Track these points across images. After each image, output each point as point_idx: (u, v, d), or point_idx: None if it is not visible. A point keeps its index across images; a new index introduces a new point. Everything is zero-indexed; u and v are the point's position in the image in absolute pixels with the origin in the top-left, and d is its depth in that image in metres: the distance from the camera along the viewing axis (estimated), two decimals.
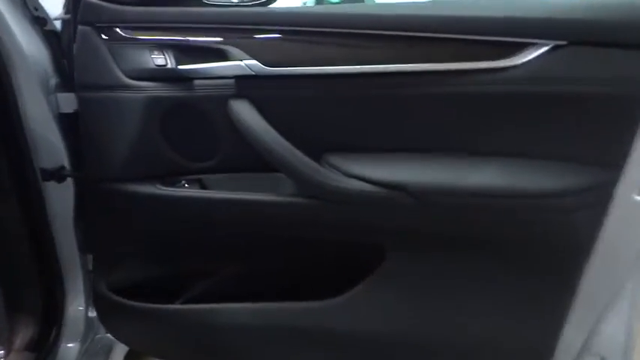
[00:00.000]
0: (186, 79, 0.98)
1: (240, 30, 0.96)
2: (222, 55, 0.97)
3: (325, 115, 0.97)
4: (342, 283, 1.05)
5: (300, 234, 1.01)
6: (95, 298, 1.19)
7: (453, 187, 0.93)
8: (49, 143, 1.12)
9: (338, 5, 1.08)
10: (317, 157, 0.98)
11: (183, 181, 1.05)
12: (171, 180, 1.05)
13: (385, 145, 0.97)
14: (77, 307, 1.26)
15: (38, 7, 1.08)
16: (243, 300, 1.08)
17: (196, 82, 0.98)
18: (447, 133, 0.95)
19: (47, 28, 1.10)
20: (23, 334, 1.23)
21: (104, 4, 0.97)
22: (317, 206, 0.97)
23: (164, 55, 0.98)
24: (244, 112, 0.96)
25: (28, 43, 1.07)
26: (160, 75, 0.98)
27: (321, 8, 1.06)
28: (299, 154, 0.95)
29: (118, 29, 0.99)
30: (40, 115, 1.10)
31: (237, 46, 0.96)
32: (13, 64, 1.05)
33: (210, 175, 1.05)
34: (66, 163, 1.14)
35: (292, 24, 0.95)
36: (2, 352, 1.23)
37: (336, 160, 0.97)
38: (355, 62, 0.94)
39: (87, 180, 1.11)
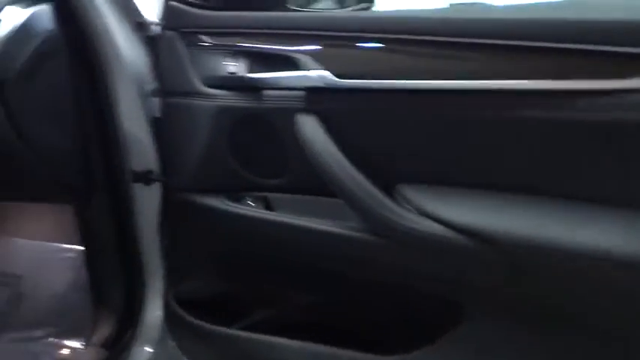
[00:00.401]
0: (255, 88, 0.91)
1: (312, 37, 0.87)
2: (293, 64, 0.88)
3: (403, 137, 0.83)
4: (407, 335, 0.88)
5: (361, 273, 0.87)
6: (164, 306, 1.17)
7: (557, 244, 0.72)
8: (142, 146, 1.14)
9: (431, 9, 0.92)
10: (389, 188, 0.83)
11: (248, 198, 0.98)
12: (237, 195, 0.98)
13: (473, 179, 0.79)
14: (155, 312, 1.25)
15: (140, 13, 1.10)
16: (297, 332, 0.97)
17: (265, 92, 0.91)
18: (556, 170, 0.74)
19: (148, 33, 1.12)
20: (102, 331, 1.26)
21: (186, 8, 0.94)
22: (382, 245, 0.82)
23: (238, 62, 0.92)
24: (309, 128, 0.86)
25: (129, 48, 1.09)
26: (231, 83, 0.93)
27: (408, 12, 0.91)
28: (365, 182, 0.82)
29: (198, 34, 0.95)
30: (135, 118, 1.12)
31: (309, 54, 0.86)
32: (112, 67, 1.08)
33: (276, 193, 0.96)
34: (156, 166, 1.14)
35: (371, 30, 0.83)
36: (83, 345, 1.27)
37: (410, 193, 0.82)
38: (445, 76, 0.78)
39: (166, 186, 1.09)
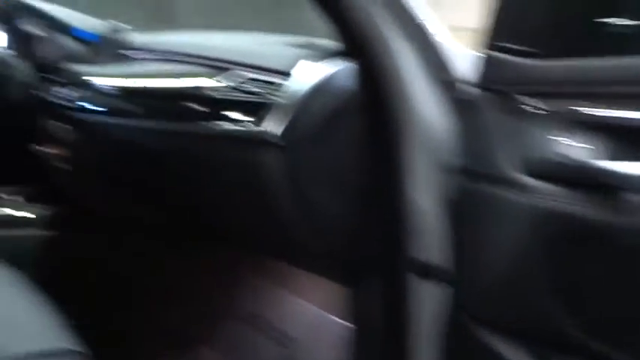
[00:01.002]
0: (607, 187, 0.56)
1: None
2: None
3: None
4: None
5: None
6: None
7: None
8: (430, 232, 0.91)
9: None
10: None
11: None
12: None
13: None
14: None
15: (453, 72, 0.87)
16: None
17: (626, 195, 0.54)
18: None
19: (459, 96, 0.88)
20: None
21: (510, 59, 0.66)
22: None
23: (582, 140, 0.59)
24: None
25: (434, 114, 0.88)
26: (567, 174, 0.60)
27: None
28: None
29: (525, 95, 0.66)
30: (428, 198, 0.90)
31: None
32: (411, 137, 0.88)
33: None
34: (443, 261, 0.89)
35: None
36: None
37: None
38: None
39: (450, 292, 0.82)
